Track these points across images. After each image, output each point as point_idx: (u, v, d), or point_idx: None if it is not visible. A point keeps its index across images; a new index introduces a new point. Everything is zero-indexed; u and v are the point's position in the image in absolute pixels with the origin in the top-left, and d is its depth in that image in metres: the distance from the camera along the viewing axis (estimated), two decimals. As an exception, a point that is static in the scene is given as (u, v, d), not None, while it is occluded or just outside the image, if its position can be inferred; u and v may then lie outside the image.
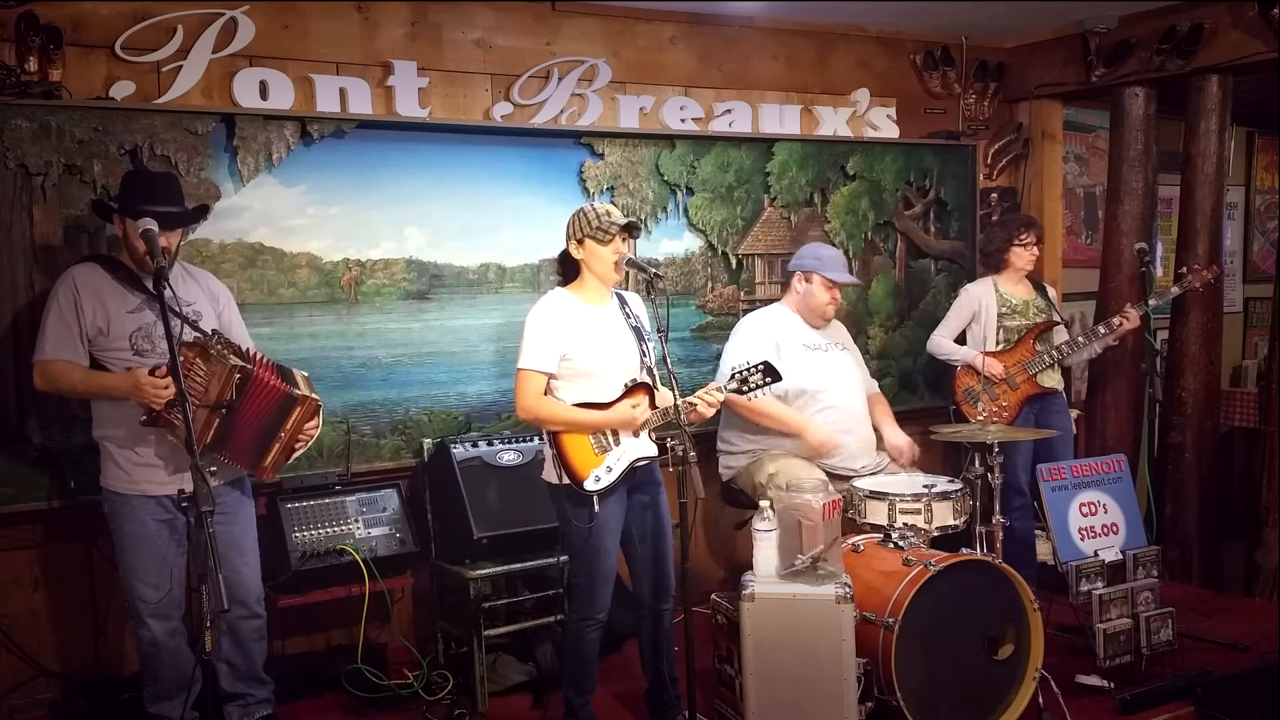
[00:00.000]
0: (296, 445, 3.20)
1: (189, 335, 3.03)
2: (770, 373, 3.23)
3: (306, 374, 3.30)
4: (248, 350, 3.15)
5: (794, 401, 4.06)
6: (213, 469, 2.97)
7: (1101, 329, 4.61)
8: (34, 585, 3.60)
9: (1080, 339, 4.63)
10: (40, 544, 3.59)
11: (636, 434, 3.25)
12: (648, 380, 3.29)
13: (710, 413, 3.27)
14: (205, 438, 2.99)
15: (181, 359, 2.85)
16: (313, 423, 3.20)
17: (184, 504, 2.58)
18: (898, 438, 4.22)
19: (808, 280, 4.12)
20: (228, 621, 3.23)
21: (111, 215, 3.14)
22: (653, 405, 3.26)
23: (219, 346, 3.00)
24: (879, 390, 4.44)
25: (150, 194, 3.08)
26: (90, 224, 3.48)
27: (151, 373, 2.94)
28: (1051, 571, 4.02)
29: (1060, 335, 4.71)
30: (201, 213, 3.34)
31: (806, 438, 4.00)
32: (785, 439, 4.04)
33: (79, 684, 3.59)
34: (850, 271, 4.97)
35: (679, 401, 3.08)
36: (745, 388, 3.25)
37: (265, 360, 3.18)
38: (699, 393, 3.23)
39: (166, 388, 2.90)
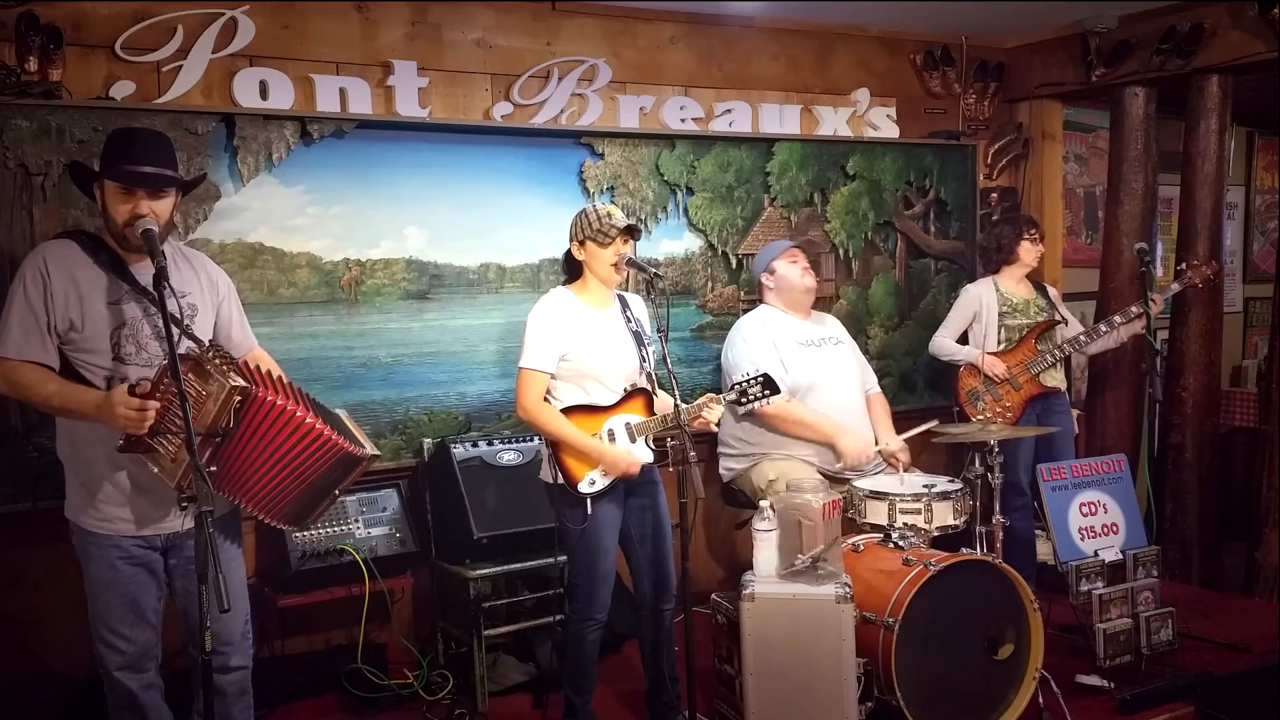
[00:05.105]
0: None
1: (181, 345, 2.54)
2: (769, 385, 3.24)
3: (348, 412, 2.87)
4: (268, 372, 2.66)
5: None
6: (183, 505, 2.46)
7: (1118, 318, 4.56)
8: (34, 585, 3.60)
9: (1102, 326, 4.57)
10: (41, 544, 3.58)
11: (634, 439, 3.24)
12: (646, 386, 3.29)
13: (711, 425, 3.26)
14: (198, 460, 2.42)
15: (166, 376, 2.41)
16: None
17: (184, 505, 2.44)
18: (892, 443, 4.19)
19: (773, 273, 4.18)
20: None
21: (92, 186, 2.66)
22: (650, 411, 3.27)
23: (216, 361, 2.49)
24: (879, 390, 4.41)
25: (132, 152, 2.60)
26: (91, 224, 3.46)
27: (131, 390, 2.40)
28: (1051, 571, 4.02)
29: (1061, 334, 4.69)
30: (196, 180, 2.94)
31: (839, 446, 3.98)
32: (786, 441, 4.04)
33: (79, 684, 3.58)
34: (851, 272, 5.01)
35: (680, 406, 3.07)
36: (745, 399, 3.25)
37: (297, 390, 2.68)
38: (697, 403, 3.21)
39: (143, 410, 2.38)
